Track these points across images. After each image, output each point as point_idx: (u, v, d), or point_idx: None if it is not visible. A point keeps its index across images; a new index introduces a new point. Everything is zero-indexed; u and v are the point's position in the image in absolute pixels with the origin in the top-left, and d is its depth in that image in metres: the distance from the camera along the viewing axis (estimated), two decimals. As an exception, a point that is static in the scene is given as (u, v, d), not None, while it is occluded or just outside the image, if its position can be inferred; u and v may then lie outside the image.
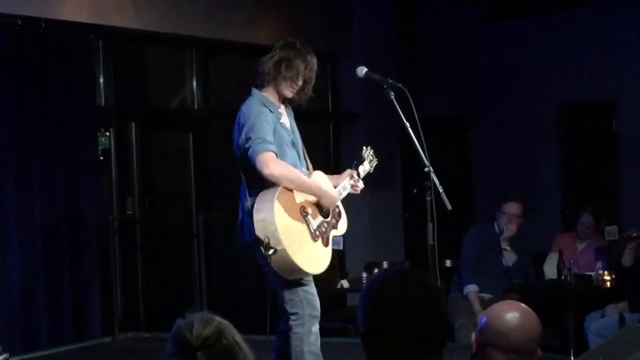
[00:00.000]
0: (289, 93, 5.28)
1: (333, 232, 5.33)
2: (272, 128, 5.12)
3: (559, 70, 10.80)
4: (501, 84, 11.32)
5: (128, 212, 9.08)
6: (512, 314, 2.98)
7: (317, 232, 5.18)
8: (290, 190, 5.08)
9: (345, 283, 8.56)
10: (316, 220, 5.19)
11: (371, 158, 5.64)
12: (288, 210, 5.04)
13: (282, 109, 5.31)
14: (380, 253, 10.02)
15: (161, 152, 9.74)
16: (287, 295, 5.17)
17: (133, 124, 9.16)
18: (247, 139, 5.07)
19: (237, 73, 9.97)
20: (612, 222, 8.60)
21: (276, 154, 5.06)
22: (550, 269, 8.24)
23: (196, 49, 9.65)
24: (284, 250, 4.92)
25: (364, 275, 8.69)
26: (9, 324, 7.61)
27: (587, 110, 10.81)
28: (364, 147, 5.66)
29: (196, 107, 9.73)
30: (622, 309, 7.53)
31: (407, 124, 5.03)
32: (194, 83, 9.70)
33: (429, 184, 4.96)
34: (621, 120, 10.55)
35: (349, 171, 5.46)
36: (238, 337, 2.44)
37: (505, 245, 8.23)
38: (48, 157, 7.89)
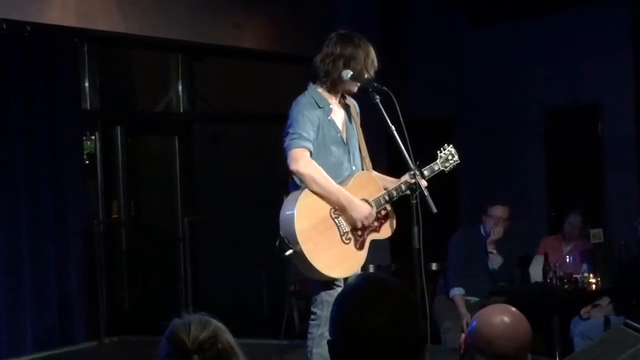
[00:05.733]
0: (355, 88, 5.20)
1: (373, 236, 5.19)
2: (315, 125, 5.03)
3: (544, 73, 10.81)
4: (487, 88, 11.33)
5: (114, 216, 9.07)
6: (500, 319, 2.90)
7: (350, 235, 5.06)
8: None
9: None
10: (350, 223, 5.06)
11: (450, 157, 5.46)
12: (313, 211, 4.95)
13: (336, 104, 5.21)
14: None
15: (147, 155, 9.73)
16: (312, 293, 5.14)
17: (118, 127, 9.16)
18: (286, 134, 5.02)
19: (223, 77, 9.98)
20: (597, 225, 8.62)
21: (311, 152, 4.99)
22: (535, 272, 8.26)
23: (181, 52, 9.64)
24: (302, 252, 4.86)
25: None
26: (-6, 328, 7.59)
27: (572, 113, 10.83)
28: (445, 145, 5.47)
29: (182, 110, 9.72)
30: (608, 311, 7.56)
31: (393, 127, 5.01)
32: (180, 87, 9.69)
33: (415, 187, 4.96)
34: (606, 124, 10.58)
35: (406, 176, 5.17)
36: (233, 341, 2.45)
37: (491, 248, 8.24)
38: (33, 161, 7.86)
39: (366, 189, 5.19)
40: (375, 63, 5.20)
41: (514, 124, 11.11)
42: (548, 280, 7.88)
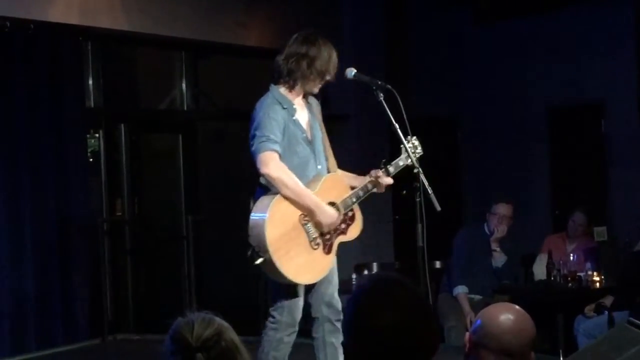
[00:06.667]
0: (315, 89, 5.21)
1: (341, 238, 5.19)
2: (281, 126, 5.03)
3: (548, 71, 10.81)
4: (490, 85, 11.33)
5: (117, 214, 9.07)
6: (506, 316, 2.94)
7: (319, 241, 5.07)
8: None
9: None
10: (318, 228, 5.07)
11: (413, 150, 5.24)
12: (284, 219, 4.95)
13: (299, 104, 5.20)
14: (369, 254, 10.00)
15: (150, 153, 9.73)
16: (274, 297, 5.16)
17: (122, 125, 9.15)
18: (253, 136, 5.03)
19: (227, 75, 9.98)
20: (601, 223, 8.62)
21: (280, 155, 4.99)
22: (539, 270, 8.26)
23: (185, 50, 9.63)
24: (271, 260, 4.88)
25: (354, 276, 8.69)
26: (-2, 326, 7.60)
27: (576, 111, 10.83)
28: (407, 137, 5.28)
29: (185, 108, 9.72)
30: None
31: (397, 125, 5.02)
32: (184, 85, 9.68)
33: (418, 185, 4.94)
34: (610, 122, 10.57)
35: (372, 174, 5.22)
36: (237, 339, 2.45)
37: (494, 246, 8.24)
38: (37, 159, 7.87)
39: (334, 191, 5.18)
40: (337, 65, 5.20)
41: (518, 122, 11.11)
42: (552, 279, 7.87)
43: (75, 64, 8.33)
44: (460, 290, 8.05)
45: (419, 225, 4.87)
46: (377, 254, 10.10)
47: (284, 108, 5.09)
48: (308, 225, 5.03)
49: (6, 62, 7.73)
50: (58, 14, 8.00)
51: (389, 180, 5.23)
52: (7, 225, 7.66)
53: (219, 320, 2.45)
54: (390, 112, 5.05)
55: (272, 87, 5.17)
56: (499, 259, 8.24)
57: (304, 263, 5.01)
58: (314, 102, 5.33)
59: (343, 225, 5.20)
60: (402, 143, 5.00)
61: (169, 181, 9.71)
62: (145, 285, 9.28)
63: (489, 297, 7.76)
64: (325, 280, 5.20)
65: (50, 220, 7.95)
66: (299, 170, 5.07)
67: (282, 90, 5.15)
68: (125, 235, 9.16)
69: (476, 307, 7.59)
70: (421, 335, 2.40)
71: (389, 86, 5.06)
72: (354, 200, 5.20)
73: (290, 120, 5.10)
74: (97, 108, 8.83)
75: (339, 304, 5.29)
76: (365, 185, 5.21)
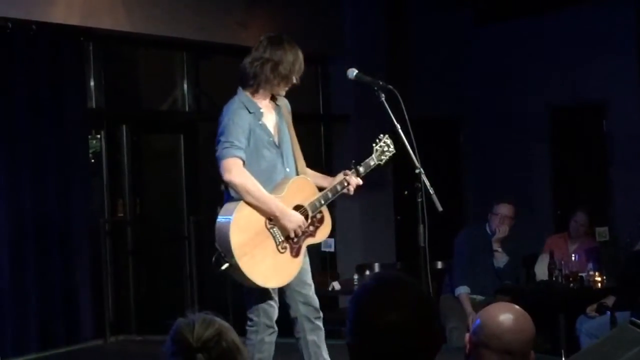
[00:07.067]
0: (282, 92, 5.22)
1: (309, 241, 5.20)
2: (246, 131, 5.03)
3: (549, 71, 10.82)
4: (492, 86, 11.33)
5: (119, 215, 9.07)
6: (506, 315, 2.95)
7: (286, 244, 5.07)
8: None
9: (336, 285, 8.55)
10: (285, 232, 5.06)
11: (384, 149, 5.36)
12: (249, 224, 4.97)
13: (266, 107, 5.19)
14: (371, 255, 10.02)
15: (152, 154, 9.72)
16: (247, 300, 5.19)
17: (124, 126, 9.15)
18: (218, 142, 5.06)
19: (228, 75, 9.97)
20: (603, 223, 8.62)
21: (244, 161, 5.00)
22: (541, 270, 8.25)
23: (187, 51, 9.64)
24: (238, 266, 4.90)
25: (356, 277, 8.69)
26: (0, 327, 7.59)
27: (578, 111, 10.84)
28: (380, 136, 5.39)
29: (187, 109, 9.72)
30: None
31: (398, 126, 5.01)
32: (185, 85, 9.69)
33: (420, 185, 4.93)
34: (611, 122, 10.57)
35: (341, 175, 5.26)
36: (238, 340, 2.45)
37: (496, 246, 8.24)
38: (39, 160, 7.87)
39: (302, 194, 5.18)
40: (303, 67, 5.21)
41: (520, 122, 11.12)
42: (554, 279, 7.87)
43: (76, 64, 8.33)
44: (462, 290, 8.05)
45: (421, 226, 4.87)
46: (379, 255, 10.11)
47: (250, 112, 5.09)
48: (274, 229, 5.04)
49: (7, 63, 7.73)
50: (59, 15, 8.00)
51: (359, 181, 5.27)
52: (8, 226, 7.66)
53: (219, 320, 2.45)
54: (392, 112, 5.05)
55: (240, 90, 5.19)
56: (500, 259, 8.24)
57: (270, 267, 5.03)
58: (283, 103, 5.32)
59: (311, 228, 5.20)
60: (404, 144, 4.98)
61: (171, 182, 9.71)
62: (147, 285, 9.28)
63: (490, 298, 7.75)
64: (298, 281, 5.21)
65: (52, 220, 7.95)
66: (266, 174, 5.09)
67: (249, 94, 5.16)
68: (126, 236, 9.16)
69: (478, 307, 7.58)
70: (424, 335, 2.39)
71: (391, 86, 5.06)
72: (322, 202, 5.21)
73: (257, 125, 5.11)
74: (99, 109, 8.83)
75: (316, 303, 5.31)
76: (334, 187, 5.22)
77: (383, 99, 5.05)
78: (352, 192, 5.29)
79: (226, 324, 2.45)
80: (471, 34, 11.46)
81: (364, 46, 10.55)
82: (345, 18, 10.68)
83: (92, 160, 8.80)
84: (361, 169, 5.29)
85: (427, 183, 4.96)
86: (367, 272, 8.78)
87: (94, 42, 8.70)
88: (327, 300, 10.18)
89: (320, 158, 10.85)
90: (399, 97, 4.98)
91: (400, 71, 10.75)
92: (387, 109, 5.04)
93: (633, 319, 4.48)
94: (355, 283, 8.56)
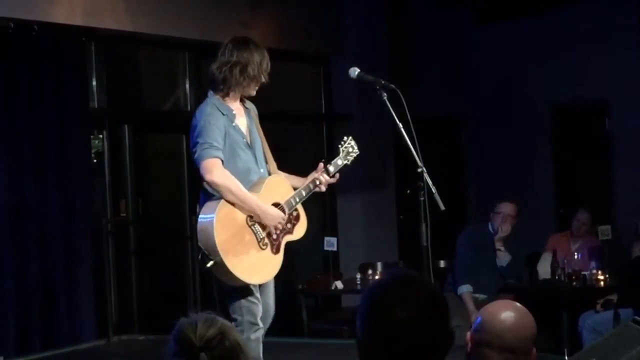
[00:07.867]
0: (252, 93, 5.29)
1: (287, 238, 5.28)
2: (222, 132, 5.09)
3: (551, 70, 10.82)
4: (493, 85, 11.34)
5: (122, 215, 9.07)
6: (507, 313, 2.96)
7: (267, 241, 5.15)
8: None
9: (339, 284, 8.55)
10: (266, 229, 5.15)
11: (350, 150, 5.54)
12: (231, 221, 5.03)
13: (237, 109, 5.27)
14: (374, 254, 10.02)
15: (154, 154, 9.73)
16: (229, 300, 5.20)
17: (126, 126, 9.15)
18: (195, 144, 5.09)
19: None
20: (605, 221, 8.62)
21: (223, 161, 5.06)
22: (544, 269, 8.26)
23: (189, 51, 9.64)
24: (222, 263, 4.94)
25: (358, 276, 8.70)
26: (3, 327, 7.60)
27: (580, 110, 10.84)
28: (344, 138, 5.58)
29: (189, 109, 9.71)
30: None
31: (400, 125, 5.02)
32: (187, 85, 9.69)
33: (422, 184, 4.94)
34: (613, 120, 10.58)
35: (313, 174, 5.37)
36: (240, 339, 2.46)
37: (499, 245, 8.25)
38: (41, 160, 7.88)
39: (278, 193, 5.28)
40: (269, 66, 5.28)
41: (521, 121, 11.12)
42: (556, 278, 7.88)
43: (78, 64, 8.34)
44: (465, 289, 8.06)
45: (423, 225, 4.88)
46: (382, 254, 10.11)
47: (223, 114, 5.16)
48: (255, 226, 5.12)
49: (10, 63, 7.74)
50: (62, 15, 8.01)
51: (330, 179, 5.41)
52: (11, 226, 7.66)
53: (222, 320, 2.45)
54: (394, 111, 5.06)
55: (211, 94, 5.25)
56: (503, 258, 8.25)
57: (253, 263, 5.10)
58: (251, 106, 5.41)
59: (289, 225, 5.30)
60: (406, 143, 4.99)
61: (173, 181, 9.72)
62: (150, 285, 9.29)
63: (493, 296, 7.75)
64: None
65: (55, 220, 7.96)
66: (244, 175, 5.17)
67: (220, 97, 5.22)
68: (129, 236, 9.16)
69: (480, 306, 7.57)
70: (436, 333, 2.40)
71: (393, 86, 5.07)
72: (297, 200, 5.32)
73: (231, 126, 5.18)
74: (101, 109, 8.83)
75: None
76: (308, 185, 5.35)
77: (385, 98, 5.07)
78: (324, 190, 5.44)
79: (229, 324, 2.46)
80: (473, 34, 11.47)
81: (365, 46, 10.55)
82: (347, 18, 10.68)
83: (95, 160, 8.81)
84: (331, 168, 5.45)
85: (430, 182, 4.97)
86: (370, 271, 8.79)
87: (96, 42, 8.70)
88: (329, 299, 10.22)
89: (322, 157, 10.82)
90: (401, 96, 4.99)
91: (402, 71, 10.75)
92: (389, 108, 5.05)
93: (636, 317, 4.49)
94: (358, 282, 8.57)
